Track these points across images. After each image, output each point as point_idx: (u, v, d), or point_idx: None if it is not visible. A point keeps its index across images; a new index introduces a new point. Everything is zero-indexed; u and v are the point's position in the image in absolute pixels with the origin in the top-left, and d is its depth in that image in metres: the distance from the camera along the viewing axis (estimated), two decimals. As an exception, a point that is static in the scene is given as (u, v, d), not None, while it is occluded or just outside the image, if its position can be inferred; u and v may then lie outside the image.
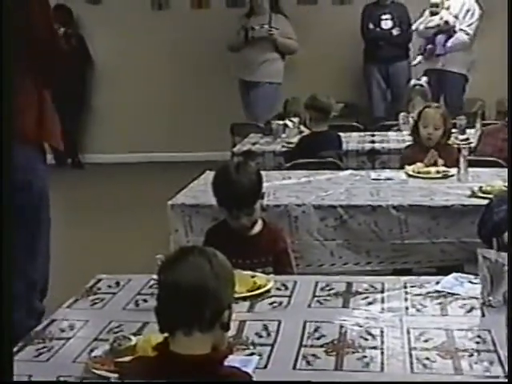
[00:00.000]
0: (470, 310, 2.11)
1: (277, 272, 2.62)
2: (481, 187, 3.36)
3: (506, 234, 2.54)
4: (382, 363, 1.81)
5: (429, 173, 3.80)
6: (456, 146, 4.30)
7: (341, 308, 2.18)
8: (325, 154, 4.42)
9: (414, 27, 6.87)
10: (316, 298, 2.26)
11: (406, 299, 2.21)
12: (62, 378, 1.80)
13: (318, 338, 1.96)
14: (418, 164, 3.89)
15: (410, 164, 3.92)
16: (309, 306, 2.21)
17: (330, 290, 2.32)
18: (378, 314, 2.12)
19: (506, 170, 3.74)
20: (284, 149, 4.87)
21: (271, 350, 1.90)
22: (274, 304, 2.23)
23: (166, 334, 1.58)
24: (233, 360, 1.70)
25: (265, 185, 2.82)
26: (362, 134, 5.42)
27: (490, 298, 2.10)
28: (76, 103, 8.03)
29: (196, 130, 7.87)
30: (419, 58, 6.79)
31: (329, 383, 1.73)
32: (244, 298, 2.23)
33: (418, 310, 2.13)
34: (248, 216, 2.69)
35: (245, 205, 2.67)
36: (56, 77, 2.89)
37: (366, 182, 3.77)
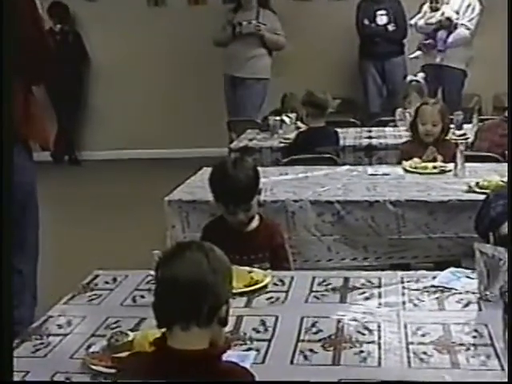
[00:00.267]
0: (467, 305, 2.12)
1: (274, 267, 2.62)
2: (478, 182, 3.37)
3: (503, 228, 2.55)
4: (380, 358, 1.81)
5: (426, 168, 3.81)
6: (453, 141, 4.30)
7: (338, 303, 2.18)
8: (322, 150, 4.42)
9: (412, 22, 6.85)
10: (313, 294, 2.26)
11: (403, 294, 2.22)
12: (59, 374, 1.80)
13: (316, 333, 1.97)
14: (415, 159, 3.90)
15: (408, 159, 3.92)
16: (306, 301, 2.21)
17: (327, 285, 2.33)
18: (375, 308, 2.12)
19: (503, 164, 3.75)
20: (281, 144, 4.87)
21: (268, 345, 1.91)
22: (272, 299, 2.23)
23: (163, 330, 1.58)
24: (230, 355, 1.70)
25: (262, 180, 2.82)
26: (358, 129, 5.43)
27: (487, 292, 2.11)
28: (73, 100, 8.04)
29: (193, 127, 7.87)
30: (418, 52, 6.78)
31: (327, 383, 1.73)
32: (241, 294, 2.23)
33: (415, 305, 2.13)
34: (245, 212, 2.68)
35: (242, 200, 2.67)
36: (45, 76, 2.88)
37: (363, 177, 3.77)
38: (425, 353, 1.82)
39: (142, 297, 2.28)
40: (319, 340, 1.93)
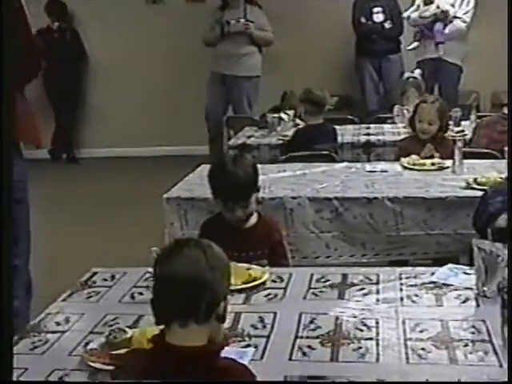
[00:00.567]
0: (465, 301, 2.12)
1: (272, 264, 2.62)
2: (476, 179, 3.37)
3: (499, 222, 2.55)
4: (378, 354, 1.82)
5: (424, 165, 3.81)
6: (451, 138, 4.30)
7: (336, 299, 2.19)
8: (320, 147, 4.42)
9: (405, 15, 6.81)
10: (311, 290, 2.26)
11: (401, 290, 2.22)
12: (57, 371, 1.80)
13: (314, 330, 1.97)
14: (413, 156, 3.90)
15: (406, 156, 3.92)
16: (304, 297, 2.22)
17: (325, 281, 2.33)
18: (374, 305, 2.13)
19: (501, 161, 3.75)
20: (279, 142, 4.87)
21: (267, 342, 1.91)
22: (270, 296, 2.24)
23: (161, 327, 1.58)
24: (229, 352, 1.70)
25: (260, 177, 2.82)
26: (357, 126, 5.42)
27: (485, 288, 2.11)
28: (71, 98, 8.03)
29: (191, 124, 7.85)
30: (415, 43, 6.75)
31: (324, 383, 1.74)
32: (239, 290, 2.24)
33: (413, 301, 2.14)
34: (243, 209, 2.68)
35: (241, 197, 2.67)
36: (33, 77, 2.88)
37: (361, 174, 3.77)
38: (423, 349, 1.83)
39: (141, 294, 2.28)
40: (317, 336, 1.93)
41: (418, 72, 5.81)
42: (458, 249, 3.18)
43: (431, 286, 2.24)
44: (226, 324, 1.72)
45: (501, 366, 1.73)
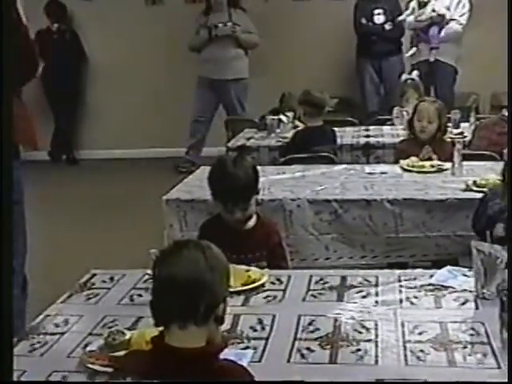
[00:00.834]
0: (464, 303, 2.12)
1: (271, 266, 2.62)
2: (475, 181, 3.37)
3: (498, 226, 2.55)
4: (377, 356, 1.82)
5: (423, 167, 3.81)
6: (450, 139, 4.30)
7: (335, 301, 2.19)
8: (319, 149, 4.42)
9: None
10: (310, 292, 2.26)
11: (400, 292, 2.22)
12: (56, 373, 1.80)
13: (313, 332, 1.97)
14: (413, 158, 3.90)
15: (404, 158, 3.92)
16: (303, 299, 2.22)
17: (324, 283, 2.33)
18: (373, 307, 2.13)
19: (501, 163, 3.74)
20: (279, 143, 4.87)
21: (266, 344, 1.91)
22: (269, 298, 2.24)
23: (160, 328, 1.58)
24: (227, 354, 1.70)
25: (259, 179, 2.82)
26: (356, 128, 5.42)
27: (484, 290, 2.11)
28: (70, 99, 8.02)
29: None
30: (414, 49, 6.76)
31: (322, 383, 1.73)
32: (238, 292, 2.24)
33: (412, 303, 2.14)
34: (243, 210, 2.68)
35: (241, 199, 2.66)
36: (28, 79, 2.88)
37: (360, 176, 3.77)
38: (422, 351, 1.83)
39: (140, 295, 2.28)
40: (316, 338, 1.93)
41: (416, 73, 5.80)
42: (458, 251, 3.18)
43: (430, 288, 2.24)
44: (225, 326, 1.72)
45: (499, 368, 1.73)
